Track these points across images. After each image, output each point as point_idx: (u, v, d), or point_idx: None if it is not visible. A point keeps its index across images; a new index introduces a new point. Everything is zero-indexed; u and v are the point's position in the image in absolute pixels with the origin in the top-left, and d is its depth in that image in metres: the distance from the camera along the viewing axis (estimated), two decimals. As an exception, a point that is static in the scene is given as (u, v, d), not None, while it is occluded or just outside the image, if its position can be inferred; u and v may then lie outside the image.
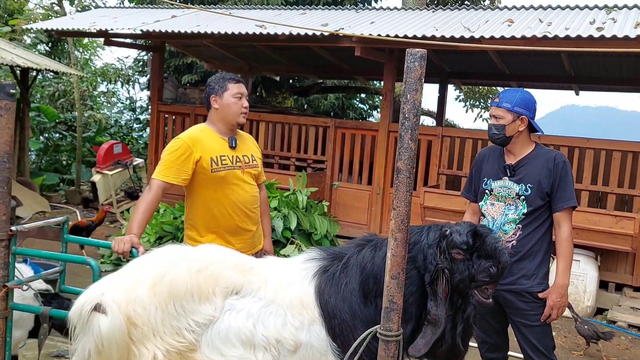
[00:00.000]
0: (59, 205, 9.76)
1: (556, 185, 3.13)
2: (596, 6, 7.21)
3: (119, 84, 17.20)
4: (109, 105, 17.20)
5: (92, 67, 17.26)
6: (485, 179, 3.32)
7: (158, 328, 2.16)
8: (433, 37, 6.14)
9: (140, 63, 15.93)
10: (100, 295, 2.10)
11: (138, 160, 8.84)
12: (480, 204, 3.36)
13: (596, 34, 5.61)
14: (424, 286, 2.26)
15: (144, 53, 14.98)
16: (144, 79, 16.51)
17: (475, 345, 3.42)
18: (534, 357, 3.13)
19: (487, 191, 3.31)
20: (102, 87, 17.35)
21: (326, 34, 6.54)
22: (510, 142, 3.19)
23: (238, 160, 3.37)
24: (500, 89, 15.58)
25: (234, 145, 3.37)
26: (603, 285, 6.49)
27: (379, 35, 6.30)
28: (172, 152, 3.24)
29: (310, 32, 6.65)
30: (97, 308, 2.06)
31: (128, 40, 9.54)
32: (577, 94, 10.48)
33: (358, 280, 2.30)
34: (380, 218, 7.69)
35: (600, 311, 6.29)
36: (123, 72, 16.95)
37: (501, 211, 3.23)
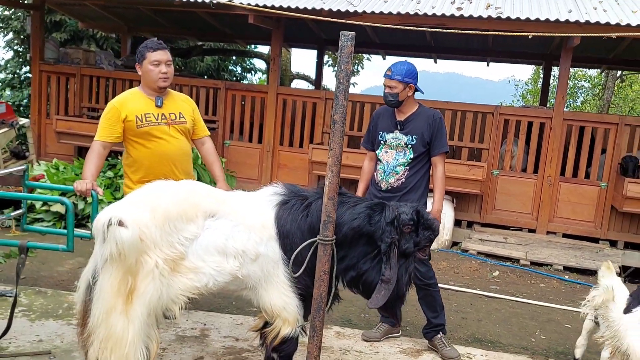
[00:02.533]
0: None
1: (434, 135, 4.12)
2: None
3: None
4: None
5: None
6: (381, 132, 4.24)
7: (157, 242, 2.79)
8: (322, 10, 6.92)
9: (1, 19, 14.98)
10: (119, 214, 2.69)
11: (23, 120, 8.75)
12: (377, 152, 4.27)
13: (457, 13, 6.76)
14: (371, 246, 3.10)
15: (1, 9, 14.15)
16: (1, 37, 15.53)
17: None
18: (416, 264, 4.13)
19: (382, 142, 4.23)
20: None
21: (223, 1, 7.06)
22: (402, 104, 4.12)
23: (164, 117, 3.85)
24: (366, 56, 16.92)
25: (159, 104, 3.85)
26: (457, 223, 7.86)
27: (273, 6, 6.96)
28: (104, 116, 3.79)
29: (207, 0, 7.14)
30: (121, 223, 2.66)
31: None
32: (435, 62, 11.91)
33: (317, 220, 3.02)
34: (271, 173, 8.46)
35: (455, 244, 7.66)
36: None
37: (393, 157, 4.17)
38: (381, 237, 3.04)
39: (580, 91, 18.99)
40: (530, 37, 5.96)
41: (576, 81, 18.72)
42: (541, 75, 18.41)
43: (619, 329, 2.84)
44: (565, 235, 7.67)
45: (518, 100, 20.24)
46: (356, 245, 3.09)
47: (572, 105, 18.46)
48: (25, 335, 3.90)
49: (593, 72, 18.90)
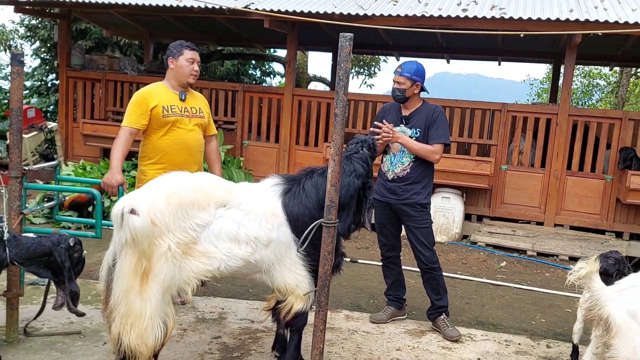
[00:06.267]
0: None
1: (431, 126, 4.39)
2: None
3: (-2, 50, 16.65)
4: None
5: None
6: (388, 125, 4.53)
7: (170, 227, 3.04)
8: (333, 14, 7.24)
9: (27, 29, 15.56)
10: (133, 203, 3.00)
11: (52, 124, 9.24)
12: (384, 143, 4.55)
13: (462, 14, 7.02)
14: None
15: (29, 18, 14.71)
16: (29, 45, 16.13)
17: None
18: (422, 249, 4.43)
19: (389, 134, 4.51)
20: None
21: (239, 8, 7.41)
22: (407, 100, 4.41)
23: (186, 110, 4.28)
24: (382, 58, 17.19)
25: (183, 98, 4.28)
26: (467, 217, 8.11)
27: (287, 10, 7.30)
28: (132, 104, 4.15)
29: (224, 6, 7.50)
30: (132, 211, 2.95)
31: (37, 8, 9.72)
32: (448, 62, 12.15)
33: (315, 195, 3.38)
34: (287, 171, 8.75)
35: (465, 237, 7.90)
36: (4, 38, 16.47)
37: (399, 149, 4.45)
38: (366, 174, 3.59)
39: (595, 89, 19.03)
40: (521, 35, 6.23)
41: (591, 79, 18.77)
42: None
43: (601, 298, 3.08)
44: (572, 228, 7.85)
45: (534, 98, 20.33)
46: (351, 200, 3.54)
47: (586, 103, 18.52)
48: (57, 318, 4.25)
49: (608, 69, 18.93)
